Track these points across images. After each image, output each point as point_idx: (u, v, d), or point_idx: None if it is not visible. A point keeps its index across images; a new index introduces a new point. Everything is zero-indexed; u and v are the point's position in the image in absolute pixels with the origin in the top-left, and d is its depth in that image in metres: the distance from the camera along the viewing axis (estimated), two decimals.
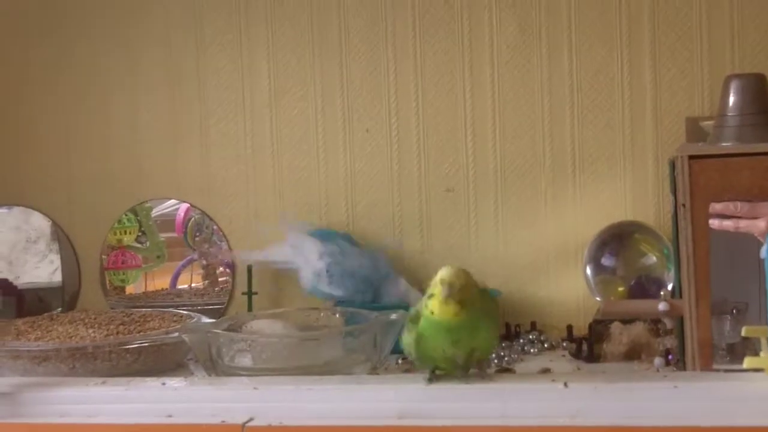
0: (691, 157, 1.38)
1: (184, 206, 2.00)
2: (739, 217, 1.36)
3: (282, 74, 1.93)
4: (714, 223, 1.37)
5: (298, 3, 1.91)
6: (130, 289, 2.05)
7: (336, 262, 1.77)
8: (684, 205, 1.39)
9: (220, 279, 2.02)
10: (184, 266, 2.05)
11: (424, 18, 1.86)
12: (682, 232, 1.39)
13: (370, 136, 1.90)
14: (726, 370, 1.37)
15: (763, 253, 1.30)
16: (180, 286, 2.05)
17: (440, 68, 1.86)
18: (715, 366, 1.40)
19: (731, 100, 1.47)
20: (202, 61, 1.95)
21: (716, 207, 1.37)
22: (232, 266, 1.97)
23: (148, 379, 1.44)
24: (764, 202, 1.35)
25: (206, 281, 2.03)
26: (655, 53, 1.78)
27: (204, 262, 2.03)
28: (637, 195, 1.79)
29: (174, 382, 1.41)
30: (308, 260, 1.79)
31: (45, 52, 2.02)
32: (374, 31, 1.88)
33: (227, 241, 1.97)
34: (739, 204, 1.36)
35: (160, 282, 2.06)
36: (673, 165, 1.41)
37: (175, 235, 2.03)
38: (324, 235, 1.83)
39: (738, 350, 1.46)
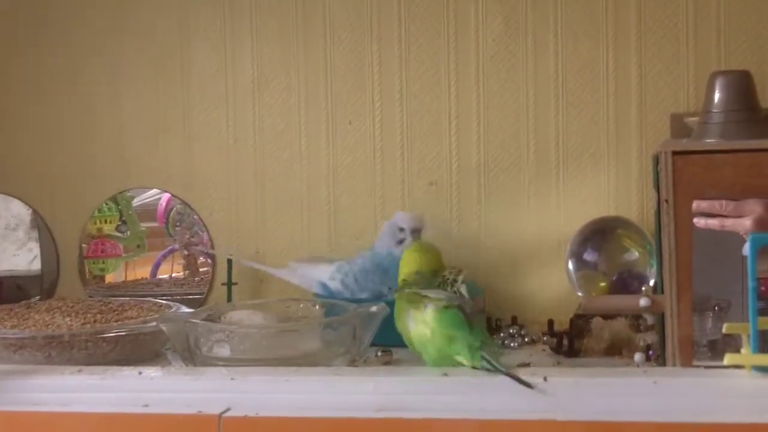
0: (674, 153, 1.38)
1: (166, 196, 1.99)
2: (725, 216, 1.35)
3: (265, 65, 1.92)
4: (700, 221, 1.37)
5: None
6: (109, 278, 2.04)
7: (346, 273, 1.74)
8: (667, 201, 1.38)
9: (200, 269, 2.01)
10: (164, 256, 2.04)
11: (409, 10, 1.85)
12: (664, 227, 1.39)
13: (353, 128, 1.89)
14: (706, 367, 1.37)
15: (745, 251, 1.30)
16: (160, 276, 2.03)
17: (425, 61, 1.85)
18: (695, 362, 1.39)
19: (716, 96, 1.46)
20: (185, 51, 1.94)
21: (702, 205, 1.36)
22: (212, 257, 1.96)
23: (124, 368, 1.43)
24: (750, 200, 1.35)
25: (187, 271, 2.02)
26: (641, 49, 1.77)
27: (185, 252, 2.02)
28: (620, 190, 1.79)
29: (151, 372, 1.40)
30: (319, 283, 1.76)
31: (28, 40, 2.00)
32: (359, 22, 1.87)
33: (207, 231, 1.96)
34: (724, 202, 1.35)
35: (141, 271, 2.05)
36: (656, 160, 1.40)
37: (156, 224, 2.02)
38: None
39: (719, 347, 1.46)
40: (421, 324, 1.42)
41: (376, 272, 1.73)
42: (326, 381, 1.34)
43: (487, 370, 1.33)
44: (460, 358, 1.37)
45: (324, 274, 1.75)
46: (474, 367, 1.35)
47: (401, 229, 1.75)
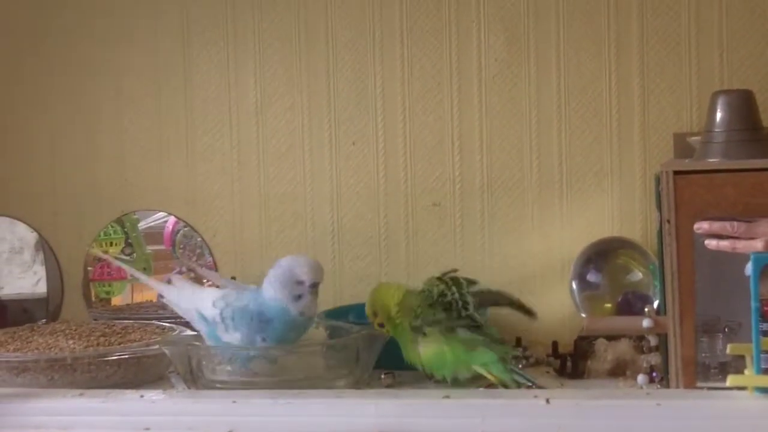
0: (676, 173, 1.38)
1: (173, 219, 1.99)
2: (736, 237, 1.35)
3: (269, 86, 1.92)
4: (711, 243, 1.36)
5: (286, 15, 1.90)
6: (115, 300, 2.03)
7: (228, 304, 1.55)
8: (669, 221, 1.38)
9: None
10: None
11: (411, 31, 1.85)
12: (666, 248, 1.38)
13: (356, 149, 1.89)
14: (709, 388, 1.36)
15: (747, 270, 1.29)
16: None
17: (428, 81, 1.85)
18: (700, 384, 1.39)
19: (718, 116, 1.46)
20: (188, 72, 1.94)
21: (713, 226, 1.36)
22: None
23: (126, 391, 1.43)
24: (762, 221, 1.34)
25: None
26: (644, 69, 1.77)
27: (191, 274, 2.01)
28: (624, 211, 1.78)
29: (153, 395, 1.40)
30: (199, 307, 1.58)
31: (30, 64, 2.01)
32: (361, 43, 1.87)
33: (212, 254, 1.95)
34: (735, 224, 1.34)
35: (147, 294, 2.04)
36: (658, 180, 1.40)
37: (163, 247, 2.02)
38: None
39: (730, 369, 1.44)
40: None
41: (258, 319, 1.53)
42: (328, 403, 1.33)
43: (517, 382, 1.38)
44: (481, 369, 1.40)
45: (207, 299, 1.57)
46: (501, 380, 1.41)
47: (299, 282, 1.52)
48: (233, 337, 1.53)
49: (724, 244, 1.35)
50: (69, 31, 1.99)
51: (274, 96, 1.92)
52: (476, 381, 1.48)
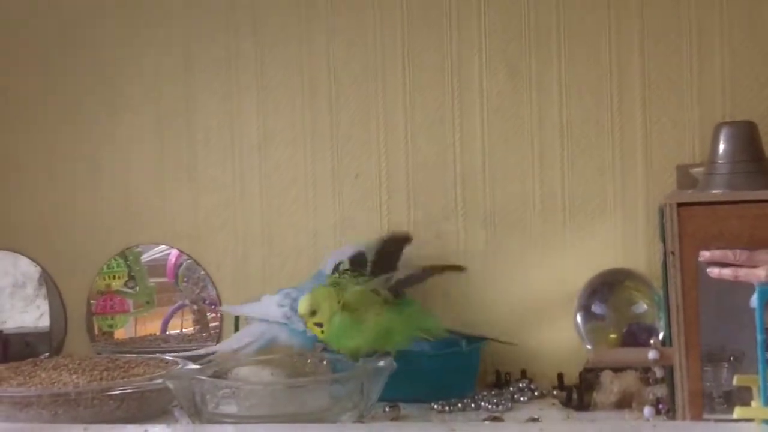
0: (679, 204, 1.38)
1: (175, 252, 1.99)
2: (738, 266, 1.35)
3: (271, 119, 1.92)
4: (713, 271, 1.36)
5: (289, 48, 1.91)
6: (118, 334, 2.03)
7: (293, 298, 1.72)
8: (673, 253, 1.37)
9: (210, 324, 2.00)
10: (174, 312, 2.03)
11: (413, 63, 1.86)
12: (671, 280, 1.38)
13: (359, 182, 1.89)
14: (716, 420, 1.36)
15: (753, 302, 1.29)
16: (170, 332, 2.03)
17: (430, 114, 1.86)
18: (707, 415, 1.38)
19: (721, 147, 1.46)
20: (190, 105, 1.95)
21: (715, 255, 1.36)
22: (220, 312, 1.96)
23: (129, 426, 1.42)
24: (763, 249, 1.34)
25: (197, 327, 2.01)
26: (645, 100, 1.78)
27: (195, 307, 2.01)
28: (627, 242, 1.78)
29: (156, 430, 1.39)
30: (271, 315, 1.75)
31: (31, 95, 2.02)
32: (364, 75, 1.88)
33: (215, 287, 1.95)
34: (738, 252, 1.34)
35: (151, 327, 2.04)
36: (662, 212, 1.40)
37: (166, 280, 2.02)
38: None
39: (735, 398, 1.43)
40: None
41: None
42: None
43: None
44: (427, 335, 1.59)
45: (272, 304, 1.74)
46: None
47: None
48: (301, 326, 1.66)
49: (726, 272, 1.35)
50: (71, 64, 2.00)
51: (276, 129, 1.93)
52: None
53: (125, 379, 1.62)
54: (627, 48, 1.78)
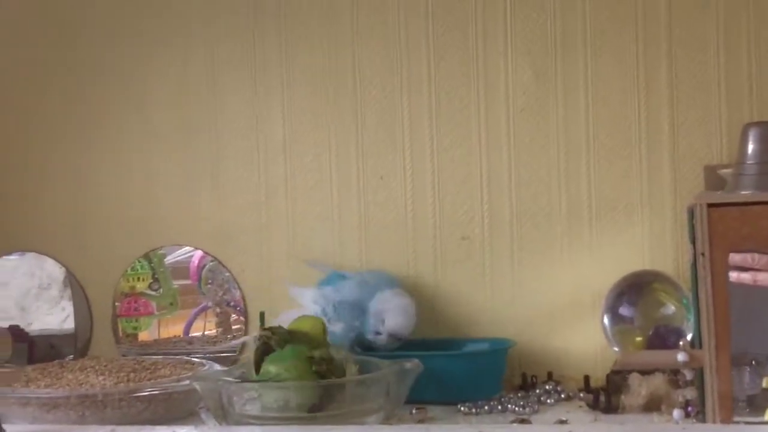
0: (710, 205, 1.37)
1: (199, 253, 1.99)
2: (758, 270, 1.34)
3: (296, 121, 1.92)
4: (732, 275, 1.35)
5: (313, 50, 1.91)
6: (142, 336, 2.03)
7: (329, 300, 1.74)
8: (703, 254, 1.37)
9: (233, 326, 2.00)
10: (197, 313, 2.03)
11: (438, 65, 1.85)
12: (701, 281, 1.37)
13: (384, 183, 1.88)
14: (747, 423, 1.35)
15: None
16: (193, 334, 2.03)
17: (455, 115, 1.85)
18: (735, 418, 1.37)
19: (750, 148, 1.46)
20: (216, 106, 1.95)
21: (735, 259, 1.35)
22: (245, 314, 1.95)
23: (158, 427, 1.42)
24: None
25: (219, 329, 2.01)
26: (673, 100, 1.77)
27: (218, 309, 2.01)
28: (654, 244, 1.77)
29: (184, 431, 1.39)
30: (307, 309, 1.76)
31: (56, 97, 2.02)
32: (389, 77, 1.88)
33: (240, 288, 1.95)
34: (756, 256, 1.34)
35: (174, 329, 2.04)
36: (691, 213, 1.39)
37: (189, 282, 2.02)
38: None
39: (758, 402, 1.43)
40: None
41: (354, 307, 1.74)
42: None
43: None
44: None
45: (308, 299, 1.77)
46: None
47: (379, 329, 1.73)
48: (336, 327, 1.70)
49: (745, 276, 1.35)
50: (96, 66, 2.01)
51: (301, 131, 1.92)
52: None
53: (152, 381, 1.62)
54: (654, 48, 1.77)
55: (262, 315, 1.87)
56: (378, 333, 1.72)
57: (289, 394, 1.45)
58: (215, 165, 1.96)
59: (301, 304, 1.77)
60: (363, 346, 1.74)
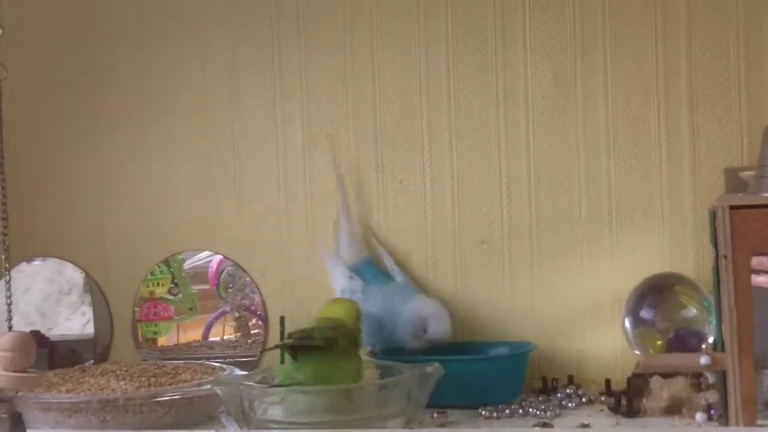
0: (732, 208, 1.36)
1: (217, 258, 1.99)
2: None
3: (315, 126, 1.93)
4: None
5: (332, 54, 1.91)
6: (162, 341, 2.04)
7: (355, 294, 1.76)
8: (725, 257, 1.36)
9: (252, 331, 2.01)
10: (216, 318, 2.04)
11: (457, 69, 1.85)
12: (723, 284, 1.36)
13: (403, 188, 1.88)
14: None
15: None
16: (212, 338, 2.03)
17: (474, 119, 1.85)
18: (759, 422, 1.36)
19: None
20: (235, 113, 1.96)
21: (752, 262, 1.34)
22: (264, 318, 1.96)
23: None
24: None
25: (239, 333, 2.02)
26: (693, 103, 1.76)
27: (236, 314, 2.02)
28: (675, 247, 1.76)
29: None
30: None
31: (77, 103, 2.03)
32: (408, 81, 1.88)
33: (260, 293, 1.95)
34: None
35: (193, 334, 2.04)
36: (713, 215, 1.38)
37: (207, 287, 2.02)
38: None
39: None
40: None
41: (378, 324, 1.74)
42: None
43: None
44: None
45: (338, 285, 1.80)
46: None
47: (420, 335, 1.73)
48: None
49: (761, 279, 1.34)
50: (117, 71, 2.01)
51: (320, 135, 1.93)
52: None
53: (173, 386, 1.63)
54: (673, 50, 1.77)
55: (282, 320, 1.87)
56: (417, 337, 1.72)
57: (312, 398, 1.45)
58: (235, 169, 1.96)
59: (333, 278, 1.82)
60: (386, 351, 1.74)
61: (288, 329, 1.84)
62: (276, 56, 1.94)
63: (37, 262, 2.05)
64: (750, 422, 1.35)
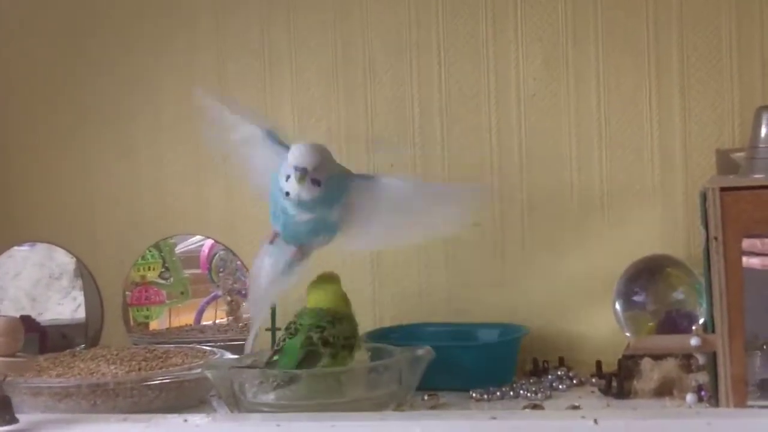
0: (722, 189, 1.36)
1: (209, 242, 1.99)
2: (766, 255, 1.33)
3: (305, 110, 1.92)
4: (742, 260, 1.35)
5: (322, 37, 1.91)
6: (153, 325, 2.03)
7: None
8: (716, 238, 1.36)
9: (244, 315, 2.00)
10: (208, 302, 2.03)
11: (448, 51, 1.85)
12: (714, 265, 1.36)
13: (394, 171, 1.88)
14: (761, 407, 1.34)
15: None
16: (204, 323, 2.03)
17: (465, 101, 1.85)
18: (749, 403, 1.36)
19: (763, 131, 1.44)
20: (225, 94, 1.95)
21: (744, 244, 1.34)
22: None
23: (169, 415, 1.42)
24: None
25: (230, 317, 2.02)
26: (684, 85, 1.76)
27: (228, 298, 2.01)
28: (666, 228, 1.76)
29: (196, 419, 1.39)
30: None
31: (66, 88, 2.02)
32: (398, 64, 1.87)
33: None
34: (766, 241, 1.33)
35: (185, 318, 2.04)
36: (704, 197, 1.38)
37: (199, 271, 2.02)
38: None
39: None
40: None
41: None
42: (372, 426, 1.32)
43: None
44: None
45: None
46: None
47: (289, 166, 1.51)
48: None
49: (754, 261, 1.34)
50: (104, 58, 2.00)
51: (310, 119, 1.92)
52: None
53: (163, 369, 1.63)
54: (665, 33, 1.76)
55: (273, 310, 1.86)
56: (287, 176, 1.51)
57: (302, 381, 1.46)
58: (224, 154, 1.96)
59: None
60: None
61: (278, 315, 1.84)
62: (265, 40, 1.93)
63: (26, 247, 2.05)
64: (740, 403, 1.35)
